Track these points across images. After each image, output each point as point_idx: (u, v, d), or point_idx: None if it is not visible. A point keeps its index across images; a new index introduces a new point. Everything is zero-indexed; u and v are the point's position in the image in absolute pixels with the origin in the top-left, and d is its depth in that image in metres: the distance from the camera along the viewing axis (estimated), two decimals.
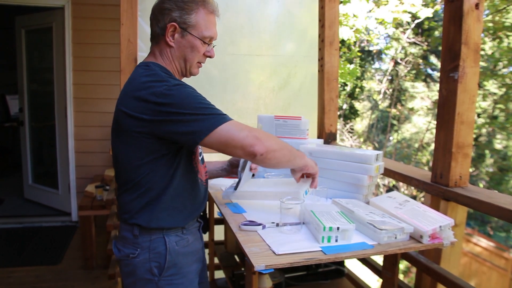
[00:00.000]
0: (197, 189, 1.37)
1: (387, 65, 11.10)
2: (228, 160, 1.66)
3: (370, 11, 8.51)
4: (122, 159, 1.26)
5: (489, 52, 8.50)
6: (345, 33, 8.19)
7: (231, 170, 1.66)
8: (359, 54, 10.06)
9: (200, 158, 1.45)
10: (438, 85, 1.63)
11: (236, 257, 2.13)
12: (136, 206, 1.26)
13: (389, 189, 9.73)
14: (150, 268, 1.26)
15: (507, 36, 8.15)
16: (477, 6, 1.49)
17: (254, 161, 1.22)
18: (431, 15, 8.27)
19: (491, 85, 8.72)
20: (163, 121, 1.15)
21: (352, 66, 9.12)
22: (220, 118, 1.16)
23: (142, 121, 1.17)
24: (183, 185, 1.30)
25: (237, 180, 1.54)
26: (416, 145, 10.73)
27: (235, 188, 1.51)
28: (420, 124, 10.82)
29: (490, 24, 8.09)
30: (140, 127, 1.18)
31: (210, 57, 1.38)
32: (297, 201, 1.31)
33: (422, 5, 8.20)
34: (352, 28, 8.31)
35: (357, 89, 10.86)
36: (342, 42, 8.81)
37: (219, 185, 1.79)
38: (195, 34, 1.29)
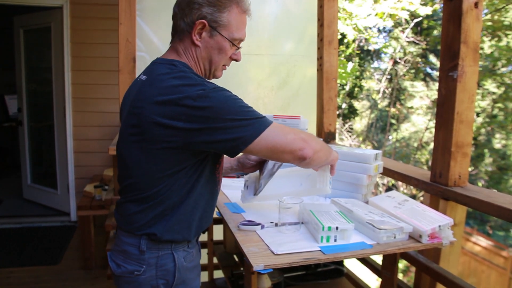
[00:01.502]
0: (215, 199, 1.30)
1: (386, 64, 11.10)
2: (238, 159, 1.51)
3: (371, 11, 8.52)
4: (138, 169, 1.14)
5: (488, 52, 8.50)
6: (349, 32, 8.21)
7: (242, 170, 1.53)
8: (357, 51, 10.06)
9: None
10: (437, 84, 1.63)
11: (235, 257, 2.12)
12: (148, 215, 1.15)
13: (388, 189, 9.73)
14: (157, 286, 1.18)
15: (506, 35, 8.16)
16: (476, 5, 1.48)
17: (300, 165, 1.15)
18: (430, 13, 8.28)
19: (490, 84, 8.72)
20: (201, 129, 1.04)
21: (350, 64, 9.14)
22: (263, 122, 1.07)
23: (175, 130, 1.05)
24: (203, 196, 1.20)
25: (240, 178, 1.50)
26: (415, 144, 10.74)
27: (255, 193, 1.45)
28: (419, 123, 10.83)
29: (489, 23, 8.09)
30: (172, 136, 1.06)
31: (236, 60, 1.26)
32: (296, 201, 1.31)
33: (421, 4, 8.21)
34: (355, 29, 8.34)
35: (356, 89, 10.86)
36: (341, 40, 8.82)
37: None
38: (225, 35, 1.17)
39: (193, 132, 1.05)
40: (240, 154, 1.18)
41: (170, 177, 1.13)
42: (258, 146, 1.07)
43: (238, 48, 1.24)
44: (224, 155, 1.28)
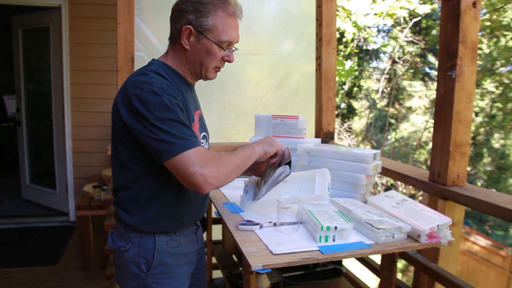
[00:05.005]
0: (195, 198, 1.34)
1: (385, 64, 11.09)
2: None
3: (370, 9, 8.53)
4: (114, 159, 1.26)
5: (487, 51, 8.50)
6: (348, 29, 8.23)
7: (253, 172, 1.51)
8: (356, 50, 10.06)
9: None
10: (436, 84, 1.63)
11: (234, 256, 2.13)
12: (127, 205, 1.26)
13: (387, 188, 9.73)
14: (138, 264, 1.26)
15: (504, 35, 8.16)
16: (474, 4, 1.48)
17: None
18: (429, 12, 8.29)
19: (489, 84, 8.72)
20: (134, 129, 1.13)
21: (349, 63, 9.14)
22: (181, 145, 1.10)
23: (123, 123, 1.16)
24: (179, 194, 1.27)
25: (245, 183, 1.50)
26: (414, 144, 10.74)
27: (254, 198, 1.45)
28: (418, 123, 10.82)
29: (488, 23, 8.09)
30: (123, 129, 1.18)
31: (229, 61, 1.33)
32: (294, 201, 1.31)
33: (420, 3, 8.22)
34: (353, 25, 8.35)
35: (355, 88, 10.86)
36: (340, 39, 8.82)
37: None
38: (211, 38, 1.24)
39: (132, 129, 1.15)
40: None
41: (139, 168, 1.21)
42: (168, 165, 1.13)
43: (225, 50, 1.28)
44: None
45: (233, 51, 1.32)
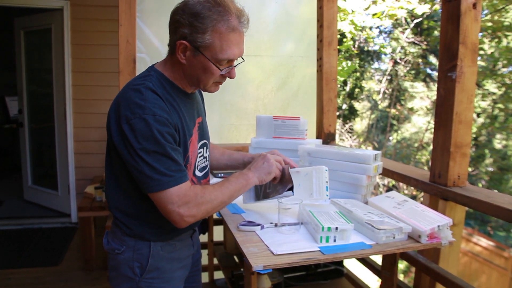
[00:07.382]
0: None
1: (387, 65, 11.10)
2: (253, 157, 1.47)
3: (367, 8, 8.52)
4: (108, 164, 1.25)
5: (488, 52, 8.50)
6: (345, 27, 8.23)
7: None
8: (356, 51, 10.06)
9: (199, 170, 1.35)
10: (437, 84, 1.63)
11: (235, 257, 2.13)
12: (119, 216, 1.25)
13: (389, 189, 9.72)
14: (132, 267, 1.24)
15: (506, 36, 8.15)
16: (474, 5, 1.49)
17: None
18: (428, 12, 8.29)
19: (490, 85, 8.72)
20: (121, 152, 1.11)
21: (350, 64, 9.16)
22: (162, 182, 1.09)
23: (112, 140, 1.13)
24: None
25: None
26: (416, 145, 10.73)
27: (255, 198, 1.46)
28: (419, 124, 10.82)
29: (489, 24, 8.08)
30: (113, 144, 1.15)
31: (230, 77, 1.23)
32: (295, 201, 1.31)
33: (421, 3, 8.22)
34: (351, 25, 8.36)
35: (357, 89, 10.87)
36: (340, 40, 8.83)
37: None
38: (207, 56, 1.13)
39: (118, 150, 1.13)
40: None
41: (127, 181, 1.19)
42: (151, 197, 1.13)
43: (222, 70, 1.18)
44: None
45: (236, 66, 1.23)
